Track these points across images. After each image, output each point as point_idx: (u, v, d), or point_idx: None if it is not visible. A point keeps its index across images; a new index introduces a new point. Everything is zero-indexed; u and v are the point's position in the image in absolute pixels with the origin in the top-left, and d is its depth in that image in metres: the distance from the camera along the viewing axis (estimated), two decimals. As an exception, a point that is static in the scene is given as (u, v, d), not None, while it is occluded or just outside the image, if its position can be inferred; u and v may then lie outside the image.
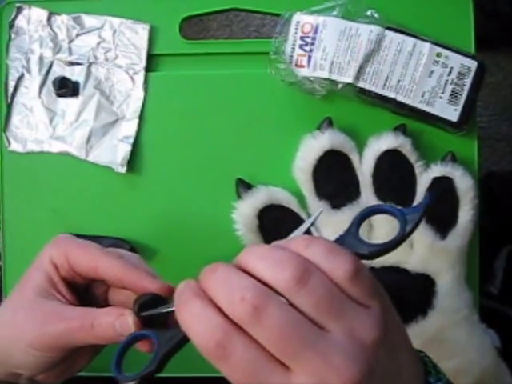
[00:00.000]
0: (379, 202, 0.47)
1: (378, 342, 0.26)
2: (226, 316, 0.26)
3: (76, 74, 0.51)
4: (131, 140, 0.50)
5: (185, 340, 0.30)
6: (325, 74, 0.47)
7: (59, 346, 0.36)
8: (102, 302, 0.39)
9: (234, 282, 0.26)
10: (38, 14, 0.51)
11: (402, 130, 0.48)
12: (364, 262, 0.46)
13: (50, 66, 0.51)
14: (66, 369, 0.39)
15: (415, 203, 0.48)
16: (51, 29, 0.51)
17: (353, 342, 0.26)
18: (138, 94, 0.50)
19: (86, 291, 0.39)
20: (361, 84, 0.47)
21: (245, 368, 0.26)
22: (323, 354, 0.25)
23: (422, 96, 0.47)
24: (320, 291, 0.26)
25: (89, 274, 0.37)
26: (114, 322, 0.34)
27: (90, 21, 0.51)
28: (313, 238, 0.28)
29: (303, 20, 0.48)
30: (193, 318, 0.27)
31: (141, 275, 0.36)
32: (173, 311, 0.32)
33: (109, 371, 0.49)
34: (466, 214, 0.47)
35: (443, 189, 0.47)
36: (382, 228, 0.47)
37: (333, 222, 0.47)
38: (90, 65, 0.51)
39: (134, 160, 0.50)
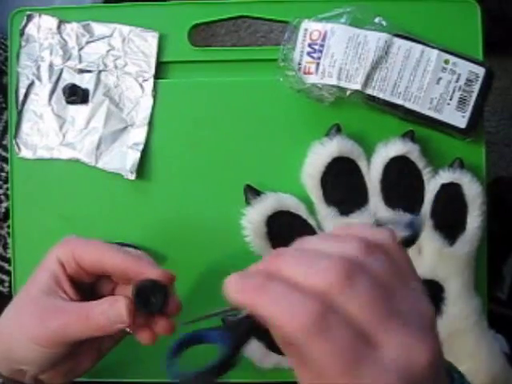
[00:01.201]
0: (388, 208, 0.47)
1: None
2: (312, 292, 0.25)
3: (86, 82, 0.51)
4: (140, 147, 0.50)
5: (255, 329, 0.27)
6: (333, 81, 0.48)
7: (59, 341, 0.36)
8: None
9: (312, 256, 0.26)
10: (47, 21, 0.52)
11: (410, 136, 0.48)
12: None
13: (60, 74, 0.51)
14: (69, 369, 0.40)
15: (423, 209, 0.48)
16: (61, 36, 0.51)
17: (420, 320, 0.26)
18: (147, 101, 0.51)
19: (92, 291, 0.40)
20: (369, 91, 0.48)
21: (343, 341, 0.24)
22: (406, 325, 0.25)
23: (430, 103, 0.47)
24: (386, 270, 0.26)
25: (94, 267, 0.38)
26: (108, 309, 0.36)
27: (99, 29, 0.51)
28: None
29: (311, 27, 0.48)
30: (278, 299, 0.25)
31: (143, 265, 0.37)
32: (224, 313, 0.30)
33: (111, 376, 0.50)
34: (474, 220, 0.47)
35: (450, 196, 0.47)
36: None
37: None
38: (99, 72, 0.51)
39: (143, 167, 0.50)
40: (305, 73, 0.48)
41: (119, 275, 0.38)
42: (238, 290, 0.27)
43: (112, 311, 0.36)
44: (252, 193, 0.48)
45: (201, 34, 0.85)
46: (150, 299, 0.35)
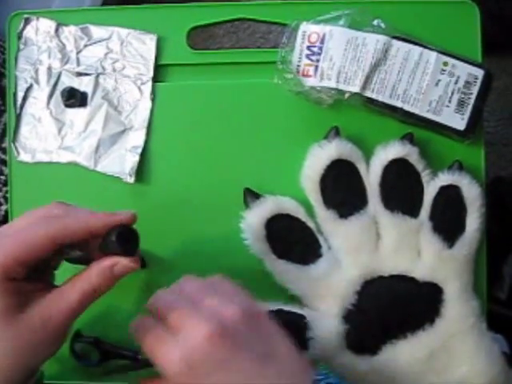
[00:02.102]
0: (386, 211, 0.47)
1: None
2: None
3: (84, 85, 0.51)
4: (139, 150, 0.50)
5: None
6: (332, 84, 0.47)
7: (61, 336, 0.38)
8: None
9: None
10: (45, 24, 0.52)
11: (409, 138, 0.48)
12: (371, 270, 0.47)
13: (59, 77, 0.51)
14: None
15: (422, 212, 0.48)
16: (59, 40, 0.51)
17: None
18: (146, 104, 0.51)
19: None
20: (368, 93, 0.48)
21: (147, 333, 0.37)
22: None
23: (429, 105, 0.47)
24: None
25: (53, 249, 0.37)
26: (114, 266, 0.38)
27: (97, 31, 0.51)
28: None
29: (310, 30, 0.48)
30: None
31: (103, 216, 0.38)
32: None
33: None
34: (473, 222, 0.47)
35: (449, 198, 0.47)
36: (390, 236, 0.47)
37: (341, 231, 0.47)
38: (97, 75, 0.51)
39: (142, 170, 0.50)
40: (303, 75, 0.48)
41: (81, 238, 0.38)
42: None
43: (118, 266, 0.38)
44: (251, 196, 0.48)
45: (199, 35, 0.85)
46: (129, 243, 0.39)
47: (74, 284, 0.38)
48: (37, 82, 0.52)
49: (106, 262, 0.38)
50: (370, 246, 0.47)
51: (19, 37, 0.52)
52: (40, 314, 0.36)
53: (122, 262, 0.38)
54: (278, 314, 0.47)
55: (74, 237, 0.37)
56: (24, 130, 0.52)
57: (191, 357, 0.35)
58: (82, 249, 0.40)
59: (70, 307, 0.37)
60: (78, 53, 0.51)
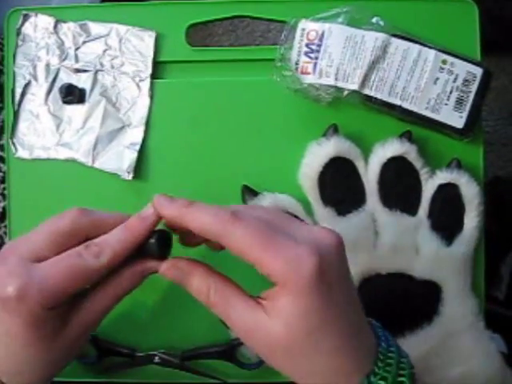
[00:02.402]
0: (385, 209, 0.47)
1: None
2: None
3: (82, 81, 0.51)
4: (137, 147, 0.50)
5: None
6: (330, 81, 0.47)
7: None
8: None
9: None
10: (44, 21, 0.51)
11: (407, 136, 0.48)
12: (369, 267, 0.47)
13: (57, 73, 0.51)
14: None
15: (420, 210, 0.48)
16: (58, 36, 0.51)
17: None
18: (144, 101, 0.50)
19: None
20: (366, 91, 0.47)
21: (256, 225, 0.32)
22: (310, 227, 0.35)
23: (428, 103, 0.47)
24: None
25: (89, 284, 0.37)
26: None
27: (96, 28, 0.51)
28: None
29: (308, 27, 0.48)
30: (200, 209, 0.34)
31: (139, 224, 0.37)
32: None
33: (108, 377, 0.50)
34: (471, 220, 0.47)
35: (447, 196, 0.47)
36: (388, 234, 0.47)
37: (339, 229, 0.47)
38: (96, 72, 0.51)
39: (140, 167, 0.50)
40: (302, 73, 0.48)
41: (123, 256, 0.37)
42: (167, 206, 0.36)
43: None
44: (249, 193, 0.48)
45: (198, 33, 0.85)
46: (167, 247, 0.39)
47: (106, 290, 0.37)
48: (35, 78, 0.51)
49: (139, 268, 0.38)
50: (368, 243, 0.47)
51: (18, 33, 0.52)
52: (75, 331, 0.36)
53: (154, 266, 0.38)
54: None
55: (122, 259, 0.37)
56: (22, 126, 0.51)
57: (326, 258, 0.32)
58: None
59: (101, 315, 0.37)
60: (76, 49, 0.51)
